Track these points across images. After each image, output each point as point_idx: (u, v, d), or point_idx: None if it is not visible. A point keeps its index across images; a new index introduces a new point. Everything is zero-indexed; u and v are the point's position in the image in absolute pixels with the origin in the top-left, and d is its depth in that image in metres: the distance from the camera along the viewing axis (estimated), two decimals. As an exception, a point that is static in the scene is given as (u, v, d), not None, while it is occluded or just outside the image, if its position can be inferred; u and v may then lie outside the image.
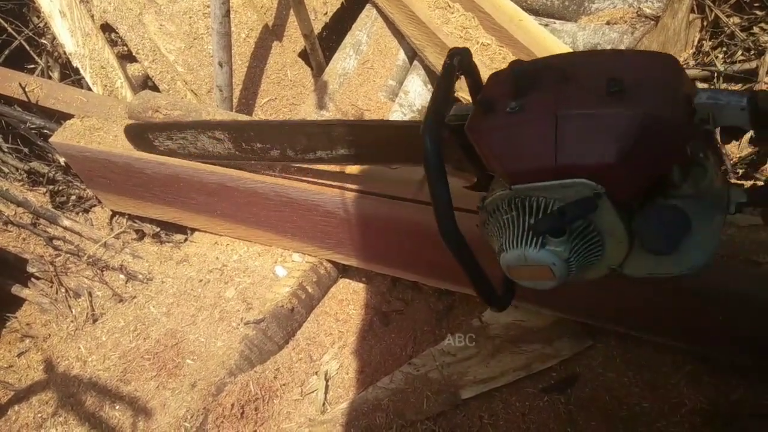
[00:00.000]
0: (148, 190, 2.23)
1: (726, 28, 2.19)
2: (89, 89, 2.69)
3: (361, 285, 2.17)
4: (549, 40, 1.97)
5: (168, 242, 2.47)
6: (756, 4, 2.19)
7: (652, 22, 2.05)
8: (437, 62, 2.20)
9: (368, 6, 2.58)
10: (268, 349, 1.95)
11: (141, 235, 2.48)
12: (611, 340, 1.76)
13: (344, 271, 2.20)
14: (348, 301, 2.13)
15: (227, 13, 2.21)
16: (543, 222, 0.96)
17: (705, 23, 2.26)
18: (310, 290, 2.07)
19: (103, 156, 2.19)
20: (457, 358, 1.79)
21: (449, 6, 2.23)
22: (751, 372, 1.58)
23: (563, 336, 1.77)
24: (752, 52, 2.14)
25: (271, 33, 2.71)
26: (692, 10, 2.20)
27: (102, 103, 2.50)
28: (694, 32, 2.27)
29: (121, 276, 2.34)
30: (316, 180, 1.80)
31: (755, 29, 2.15)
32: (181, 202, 2.20)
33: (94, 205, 2.58)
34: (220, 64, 2.29)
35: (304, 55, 2.73)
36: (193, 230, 2.37)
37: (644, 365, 1.72)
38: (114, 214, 2.54)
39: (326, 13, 2.73)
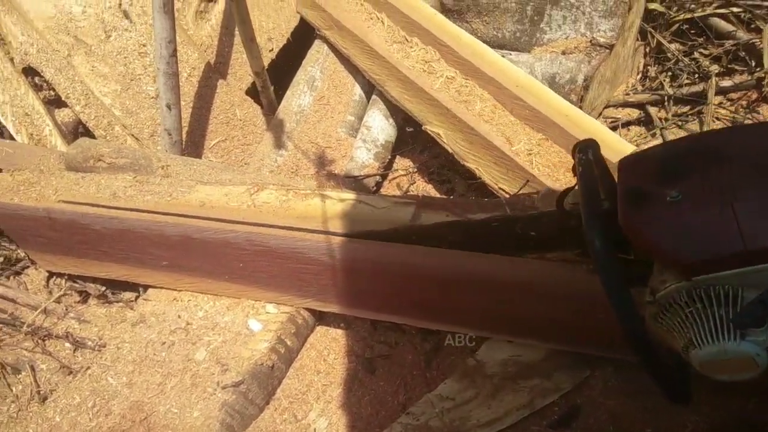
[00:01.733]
0: (95, 247, 2.02)
1: (669, 54, 2.31)
2: (12, 139, 2.44)
3: (340, 331, 2.06)
4: (513, 72, 1.98)
5: (117, 302, 2.25)
6: (693, 31, 2.32)
7: (607, 51, 2.12)
8: (401, 97, 2.16)
9: (318, 42, 2.51)
10: (249, 413, 1.79)
11: (85, 297, 2.24)
12: (608, 368, 1.75)
13: (320, 317, 2.08)
14: (328, 350, 2.01)
15: (174, 53, 2.07)
16: (747, 314, 0.92)
17: (648, 49, 2.37)
18: (289, 343, 1.94)
19: (42, 213, 1.97)
20: (457, 402, 1.72)
21: (407, 40, 2.20)
22: (742, 386, 1.62)
23: (561, 368, 1.74)
24: (696, 76, 2.26)
25: (215, 71, 2.57)
26: (637, 38, 2.30)
27: (31, 153, 2.26)
28: (639, 58, 2.38)
29: (68, 345, 2.09)
30: (295, 226, 1.69)
31: (695, 54, 2.28)
32: (135, 258, 2.00)
33: (27, 267, 2.32)
34: (168, 107, 2.13)
35: (250, 92, 2.62)
36: (145, 287, 2.17)
37: (641, 391, 1.72)
38: (51, 275, 2.29)
39: (272, 50, 2.63)
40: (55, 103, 2.54)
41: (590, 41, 2.14)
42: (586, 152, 1.14)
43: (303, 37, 2.66)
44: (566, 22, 2.20)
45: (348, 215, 1.67)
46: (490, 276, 1.54)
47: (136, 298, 2.23)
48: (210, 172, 2.03)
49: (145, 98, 2.46)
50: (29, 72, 2.50)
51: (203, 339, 1.95)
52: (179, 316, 2.04)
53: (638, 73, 2.37)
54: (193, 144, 2.43)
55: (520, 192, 1.71)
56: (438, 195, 2.18)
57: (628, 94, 2.31)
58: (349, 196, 1.71)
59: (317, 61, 2.44)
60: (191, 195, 1.86)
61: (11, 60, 2.48)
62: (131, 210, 1.86)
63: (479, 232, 1.50)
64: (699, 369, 1.01)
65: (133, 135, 2.43)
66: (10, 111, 2.45)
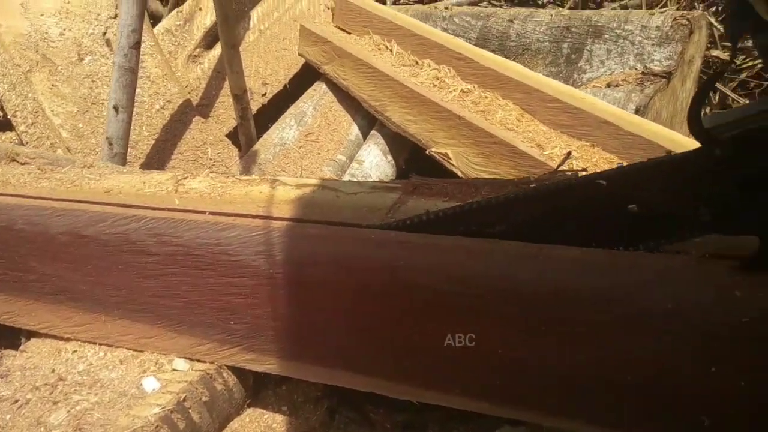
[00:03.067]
0: (-31, 263, 1.48)
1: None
2: (-65, 156, 2.03)
3: (281, 418, 1.39)
4: (546, 79, 1.55)
5: (-11, 359, 1.62)
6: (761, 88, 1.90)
7: (663, 80, 1.69)
8: (403, 120, 1.72)
9: (318, 82, 2.17)
10: None
11: (-52, 347, 1.63)
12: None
13: (256, 393, 1.42)
14: (258, 442, 1.32)
15: (137, 45, 1.72)
16: None
17: (709, 109, 1.94)
18: (196, 418, 1.26)
19: None
20: None
21: (417, 63, 1.84)
22: None
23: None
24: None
25: (194, 109, 2.21)
26: (696, 85, 1.88)
27: (-59, 160, 1.82)
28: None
29: None
30: (219, 210, 1.15)
31: (772, 110, 1.83)
32: (15, 280, 1.44)
33: None
34: (116, 109, 1.72)
35: (232, 136, 2.23)
36: (29, 334, 1.56)
37: None
38: None
39: (264, 94, 2.30)
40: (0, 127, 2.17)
41: (642, 72, 1.73)
42: None
43: (302, 86, 2.33)
44: (611, 55, 1.81)
45: (301, 201, 1.13)
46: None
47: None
48: (143, 179, 1.54)
49: (102, 124, 2.07)
50: (-19, 90, 2.17)
51: (71, 398, 1.30)
52: (53, 370, 1.41)
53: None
54: (145, 175, 1.98)
55: (561, 168, 1.16)
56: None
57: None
58: (311, 182, 1.19)
59: (312, 97, 2.08)
60: (100, 182, 1.36)
61: (-35, 76, 2.17)
62: (14, 196, 1.35)
63: (551, 210, 0.92)
64: None
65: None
66: (-55, 129, 2.08)
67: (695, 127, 0.69)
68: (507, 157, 1.40)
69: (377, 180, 1.24)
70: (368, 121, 2.00)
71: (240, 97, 1.93)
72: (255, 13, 2.44)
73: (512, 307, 0.93)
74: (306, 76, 2.34)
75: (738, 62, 1.89)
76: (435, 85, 1.69)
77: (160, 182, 1.30)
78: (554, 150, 1.34)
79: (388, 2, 2.68)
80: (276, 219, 1.09)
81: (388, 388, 1.15)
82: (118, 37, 1.71)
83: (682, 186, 0.76)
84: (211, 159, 2.09)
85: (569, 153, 1.25)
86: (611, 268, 0.85)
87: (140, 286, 1.29)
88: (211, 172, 1.29)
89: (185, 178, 1.28)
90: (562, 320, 0.88)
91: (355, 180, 1.59)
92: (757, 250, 0.73)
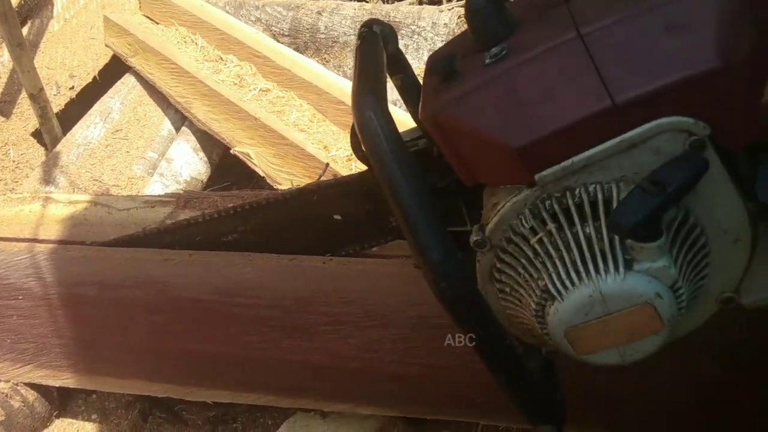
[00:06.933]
0: None
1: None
2: None
3: (90, 426, 1.42)
4: (337, 79, 1.65)
5: None
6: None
7: (452, 75, 1.84)
8: (207, 118, 1.75)
9: (126, 75, 2.11)
10: None
11: None
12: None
13: (65, 404, 1.43)
14: (65, 453, 1.34)
15: None
16: (625, 214, 0.54)
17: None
18: (-11, 439, 1.26)
19: None
20: None
21: (221, 59, 1.85)
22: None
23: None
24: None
25: (-8, 108, 2.07)
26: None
27: None
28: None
29: None
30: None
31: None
32: None
33: None
34: None
35: (38, 135, 2.12)
36: None
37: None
38: None
39: (72, 87, 2.19)
40: None
41: (434, 67, 1.87)
42: (370, 26, 0.75)
43: (114, 77, 2.25)
44: (408, 51, 1.93)
45: (72, 220, 1.14)
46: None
47: None
48: None
49: None
50: None
51: None
52: None
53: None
54: (-67, 185, 1.84)
55: (322, 180, 1.28)
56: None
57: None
58: (82, 198, 1.20)
59: (119, 92, 2.02)
60: None
61: None
62: None
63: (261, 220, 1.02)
64: (565, 345, 0.60)
65: None
66: None
67: (357, 152, 0.80)
68: (299, 159, 1.49)
69: (152, 195, 1.27)
70: (181, 115, 1.99)
71: (37, 96, 1.84)
72: (59, 1, 2.30)
73: (273, 311, 1.03)
74: (118, 66, 2.26)
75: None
76: (236, 84, 1.72)
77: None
78: (338, 151, 1.45)
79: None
80: (41, 242, 1.10)
81: (185, 392, 1.22)
82: None
83: (368, 199, 0.88)
84: (14, 161, 1.98)
85: (327, 165, 1.37)
86: (348, 274, 0.98)
87: None
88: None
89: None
90: (314, 320, 0.99)
91: (130, 195, 1.57)
92: None
